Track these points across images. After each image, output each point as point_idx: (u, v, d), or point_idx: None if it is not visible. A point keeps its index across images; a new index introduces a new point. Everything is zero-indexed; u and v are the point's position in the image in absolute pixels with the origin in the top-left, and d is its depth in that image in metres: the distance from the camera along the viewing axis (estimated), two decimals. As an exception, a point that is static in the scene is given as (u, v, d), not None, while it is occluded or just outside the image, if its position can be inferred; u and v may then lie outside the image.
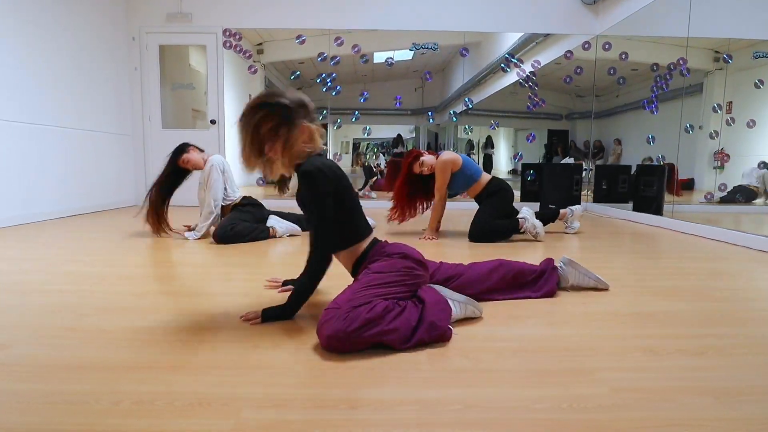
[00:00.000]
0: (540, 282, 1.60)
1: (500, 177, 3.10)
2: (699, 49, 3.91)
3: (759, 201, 3.54)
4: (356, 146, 6.28)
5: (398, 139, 6.18)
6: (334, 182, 1.27)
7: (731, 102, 3.81)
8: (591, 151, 5.27)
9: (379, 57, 5.15)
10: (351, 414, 0.84)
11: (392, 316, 1.11)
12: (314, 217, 1.26)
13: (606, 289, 1.69)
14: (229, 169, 2.83)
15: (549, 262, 1.66)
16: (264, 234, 2.76)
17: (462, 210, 4.14)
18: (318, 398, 0.89)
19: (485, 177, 2.94)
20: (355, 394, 0.92)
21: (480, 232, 2.77)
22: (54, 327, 1.27)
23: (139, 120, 4.71)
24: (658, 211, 3.88)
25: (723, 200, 3.72)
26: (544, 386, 0.95)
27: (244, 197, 2.89)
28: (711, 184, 3.85)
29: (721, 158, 3.79)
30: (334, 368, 1.03)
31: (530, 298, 1.56)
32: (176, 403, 0.87)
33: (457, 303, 1.30)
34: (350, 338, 1.06)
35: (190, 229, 2.84)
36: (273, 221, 2.84)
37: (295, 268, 1.51)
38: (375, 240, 1.40)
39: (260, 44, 5.09)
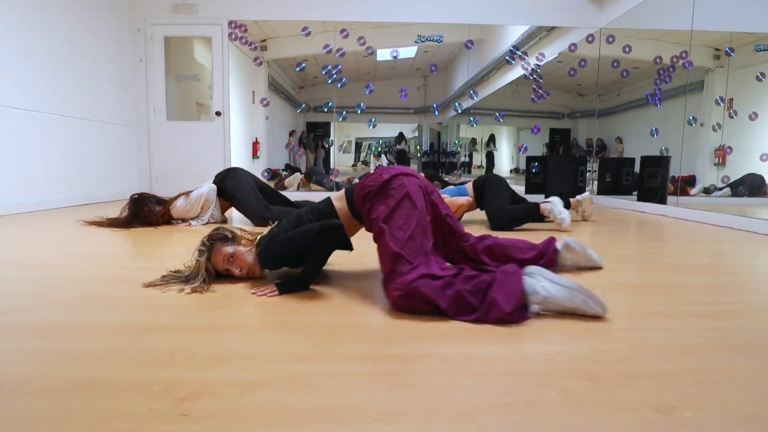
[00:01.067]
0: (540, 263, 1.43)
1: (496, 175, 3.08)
2: (699, 46, 3.92)
3: None
4: (358, 145, 6.30)
5: (400, 137, 6.21)
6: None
7: (732, 99, 3.82)
8: (594, 150, 5.28)
9: (383, 54, 5.16)
10: (372, 366, 0.84)
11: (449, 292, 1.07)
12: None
13: (600, 268, 1.62)
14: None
15: (550, 242, 1.55)
16: None
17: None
18: (337, 354, 0.90)
19: (469, 190, 2.90)
20: (375, 349, 0.92)
21: (499, 222, 2.65)
22: (67, 295, 1.27)
23: (143, 111, 4.71)
24: (662, 200, 3.89)
25: (731, 187, 3.73)
26: (566, 343, 0.96)
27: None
28: (712, 181, 3.86)
29: (722, 155, 3.80)
30: (351, 327, 1.03)
31: None
32: (197, 357, 0.87)
33: (562, 288, 1.08)
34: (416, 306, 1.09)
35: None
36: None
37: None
38: (345, 192, 1.39)
39: (264, 41, 5.10)
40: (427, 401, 0.71)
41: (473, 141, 6.14)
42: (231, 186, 2.75)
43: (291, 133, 5.68)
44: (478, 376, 0.80)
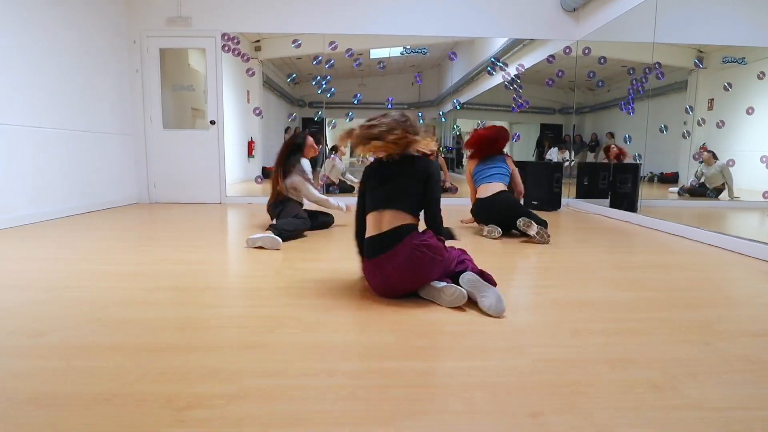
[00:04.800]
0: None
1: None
2: (682, 47, 4.08)
3: (724, 195, 3.78)
4: None
5: None
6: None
7: (713, 99, 4.02)
8: (583, 144, 5.50)
9: (376, 53, 5.32)
10: (326, 380, 1.09)
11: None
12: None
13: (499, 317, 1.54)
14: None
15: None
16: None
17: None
18: (302, 370, 1.15)
19: (479, 192, 3.23)
20: (332, 366, 1.17)
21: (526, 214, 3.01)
22: (81, 318, 1.51)
23: (140, 120, 4.91)
24: (630, 207, 4.13)
25: (691, 193, 3.96)
26: (482, 359, 1.21)
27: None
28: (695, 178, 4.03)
29: (703, 152, 3.99)
30: (316, 347, 1.28)
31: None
32: (192, 374, 1.11)
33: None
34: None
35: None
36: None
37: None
38: (369, 241, 1.70)
39: (258, 41, 5.26)
40: (363, 410, 0.96)
41: (458, 137, 6.29)
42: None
43: (286, 130, 5.85)
44: (408, 388, 1.05)
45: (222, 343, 1.31)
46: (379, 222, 1.67)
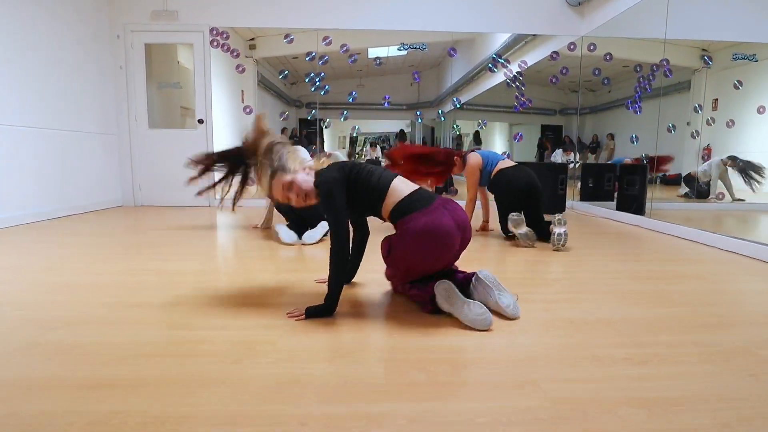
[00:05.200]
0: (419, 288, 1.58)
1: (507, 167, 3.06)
2: (686, 47, 3.94)
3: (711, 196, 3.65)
4: (354, 140, 6.30)
5: (402, 134, 6.31)
6: (342, 184, 1.51)
7: (717, 99, 3.86)
8: (583, 146, 5.31)
9: (375, 52, 5.13)
10: (301, 429, 0.88)
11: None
12: (330, 221, 1.50)
13: (515, 318, 1.49)
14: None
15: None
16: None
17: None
18: (273, 416, 0.93)
19: (498, 166, 3.02)
20: (308, 411, 0.95)
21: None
22: (15, 343, 1.29)
23: (125, 119, 4.70)
24: (639, 210, 3.94)
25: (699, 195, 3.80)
26: (490, 399, 1.00)
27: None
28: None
29: (708, 154, 3.84)
30: (290, 382, 1.07)
31: (411, 298, 1.63)
32: (128, 423, 0.90)
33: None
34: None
35: None
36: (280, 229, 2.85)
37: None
38: (413, 196, 1.54)
39: (252, 39, 5.07)
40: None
41: (459, 139, 6.13)
42: None
43: (282, 131, 5.65)
44: (396, 442, 0.84)
45: (177, 377, 1.09)
46: (409, 184, 1.59)
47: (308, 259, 2.39)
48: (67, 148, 3.95)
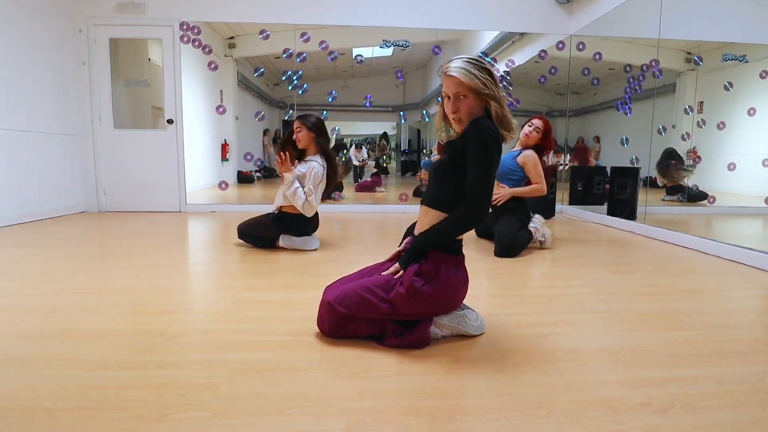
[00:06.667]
0: (413, 329, 1.30)
1: None
2: (671, 49, 3.87)
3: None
4: (341, 146, 6.09)
5: (384, 137, 6.17)
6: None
7: (702, 102, 3.77)
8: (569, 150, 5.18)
9: (358, 52, 4.92)
10: None
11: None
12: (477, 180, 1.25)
13: (480, 335, 1.37)
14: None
15: None
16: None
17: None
18: None
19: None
20: None
21: (505, 250, 2.56)
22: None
23: (87, 119, 4.37)
24: (631, 215, 3.80)
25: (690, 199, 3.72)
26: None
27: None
28: (685, 182, 3.79)
29: (694, 157, 3.75)
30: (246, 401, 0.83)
31: (397, 346, 1.27)
32: None
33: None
34: None
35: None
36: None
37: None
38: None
39: (232, 38, 4.82)
40: None
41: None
42: None
43: (265, 132, 5.39)
44: None
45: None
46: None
47: (282, 272, 2.15)
48: (20, 150, 3.62)
